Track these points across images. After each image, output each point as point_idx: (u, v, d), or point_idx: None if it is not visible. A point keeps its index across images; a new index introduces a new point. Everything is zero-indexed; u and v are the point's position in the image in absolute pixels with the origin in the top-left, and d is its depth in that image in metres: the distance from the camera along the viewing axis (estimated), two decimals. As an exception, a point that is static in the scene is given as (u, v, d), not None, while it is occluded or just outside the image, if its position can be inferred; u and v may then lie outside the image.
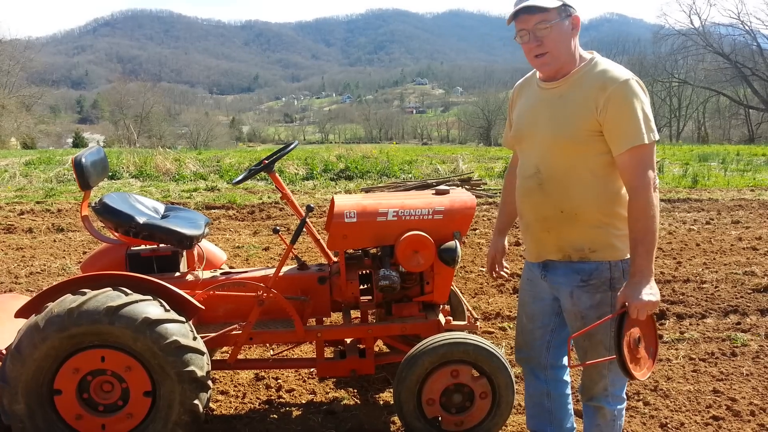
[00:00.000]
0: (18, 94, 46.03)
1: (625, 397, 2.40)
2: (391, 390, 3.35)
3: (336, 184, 12.08)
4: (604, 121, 2.05)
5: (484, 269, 5.90)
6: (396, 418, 3.10)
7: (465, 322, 3.18)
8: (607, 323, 2.15)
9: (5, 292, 5.39)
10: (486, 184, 10.93)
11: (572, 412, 2.67)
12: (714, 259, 6.26)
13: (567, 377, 2.63)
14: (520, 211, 2.38)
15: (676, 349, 4.10)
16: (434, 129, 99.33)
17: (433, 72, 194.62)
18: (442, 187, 3.26)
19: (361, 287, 3.25)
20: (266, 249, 6.85)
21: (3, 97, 42.60)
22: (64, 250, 6.90)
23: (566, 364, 2.60)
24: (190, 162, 14.31)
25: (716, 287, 5.30)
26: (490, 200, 9.61)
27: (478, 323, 3.18)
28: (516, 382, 2.85)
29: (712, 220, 8.25)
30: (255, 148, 37.95)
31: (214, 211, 9.14)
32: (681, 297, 5.04)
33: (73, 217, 8.71)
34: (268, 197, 10.19)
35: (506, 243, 2.82)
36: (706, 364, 3.88)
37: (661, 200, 9.67)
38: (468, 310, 3.37)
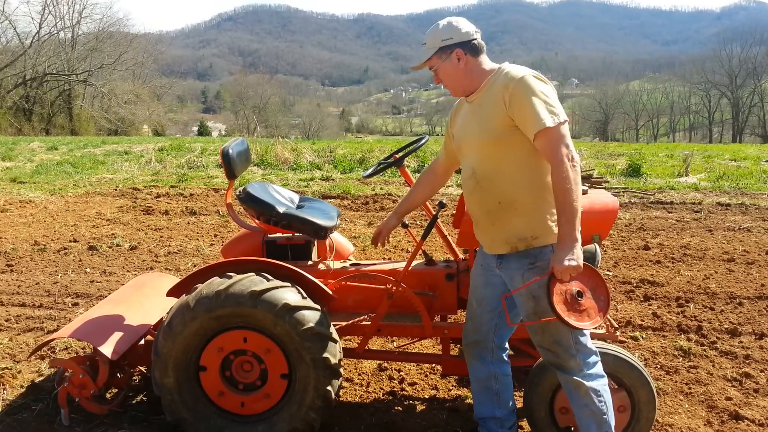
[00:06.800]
0: (150, 85, 49.90)
1: (604, 373, 2.50)
2: (519, 394, 3.27)
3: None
4: (513, 115, 2.32)
5: (610, 273, 5.62)
6: (525, 423, 3.02)
7: (604, 331, 3.02)
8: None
9: (147, 269, 5.86)
10: (608, 182, 10.39)
11: (512, 393, 2.84)
12: None
13: (507, 357, 2.84)
14: (469, 209, 2.64)
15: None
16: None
17: (547, 63, 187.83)
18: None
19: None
20: (382, 240, 6.92)
21: (137, 87, 46.37)
22: (197, 233, 7.38)
23: (508, 347, 2.86)
24: (306, 152, 14.78)
25: None
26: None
27: (617, 333, 3.01)
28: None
29: None
30: (365, 139, 38.64)
31: (329, 200, 9.41)
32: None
33: (203, 201, 9.31)
34: (381, 189, 10.32)
35: (397, 224, 3.07)
36: None
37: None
38: (607, 318, 3.19)
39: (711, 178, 11.53)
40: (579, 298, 2.30)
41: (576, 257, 2.24)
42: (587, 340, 2.46)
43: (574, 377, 2.44)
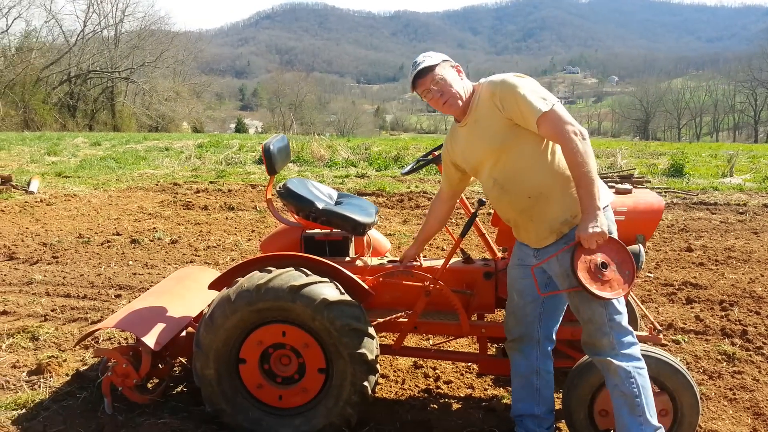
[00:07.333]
0: (190, 82, 50.84)
1: (640, 357, 2.49)
2: (557, 396, 3.22)
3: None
4: (510, 115, 2.46)
5: (651, 275, 5.50)
6: (562, 425, 2.98)
7: (646, 333, 2.95)
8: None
9: (187, 263, 5.98)
10: (650, 182, 10.16)
11: (553, 392, 2.85)
12: None
13: (551, 352, 2.85)
14: (505, 217, 2.73)
15: None
16: (584, 120, 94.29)
17: (586, 60, 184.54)
18: (623, 185, 3.05)
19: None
20: (418, 238, 6.91)
21: (177, 85, 47.31)
22: (235, 228, 7.50)
23: (555, 341, 2.87)
24: (342, 149, 14.85)
25: None
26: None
27: (661, 335, 2.95)
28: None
29: None
30: (399, 136, 38.63)
31: (364, 197, 9.42)
32: None
33: (241, 197, 9.44)
34: (416, 186, 10.31)
35: (421, 250, 3.21)
36: None
37: None
38: (649, 320, 3.12)
39: (757, 179, 11.16)
40: (603, 269, 2.37)
41: (600, 224, 2.33)
42: (622, 319, 2.47)
43: (607, 357, 2.46)
